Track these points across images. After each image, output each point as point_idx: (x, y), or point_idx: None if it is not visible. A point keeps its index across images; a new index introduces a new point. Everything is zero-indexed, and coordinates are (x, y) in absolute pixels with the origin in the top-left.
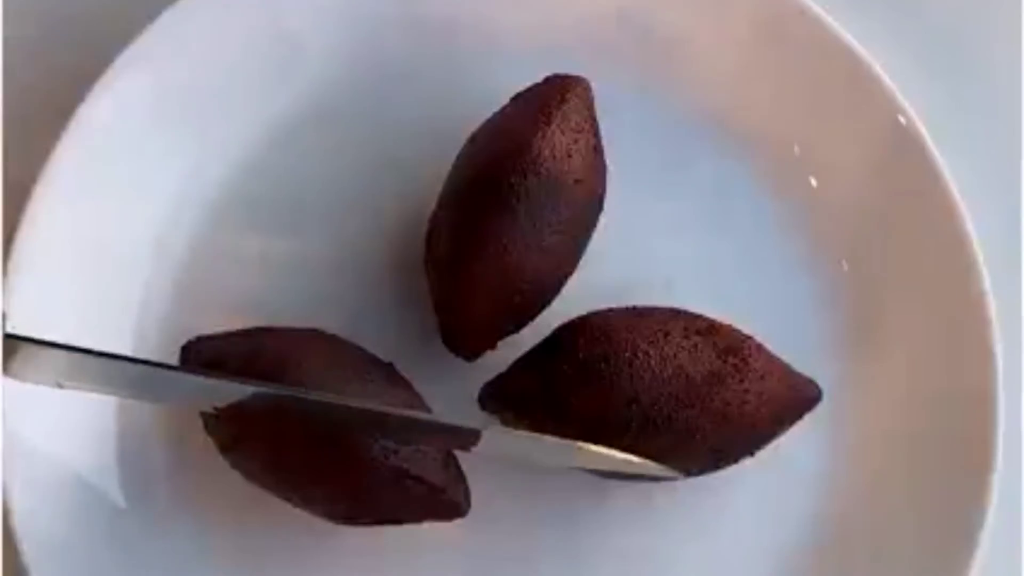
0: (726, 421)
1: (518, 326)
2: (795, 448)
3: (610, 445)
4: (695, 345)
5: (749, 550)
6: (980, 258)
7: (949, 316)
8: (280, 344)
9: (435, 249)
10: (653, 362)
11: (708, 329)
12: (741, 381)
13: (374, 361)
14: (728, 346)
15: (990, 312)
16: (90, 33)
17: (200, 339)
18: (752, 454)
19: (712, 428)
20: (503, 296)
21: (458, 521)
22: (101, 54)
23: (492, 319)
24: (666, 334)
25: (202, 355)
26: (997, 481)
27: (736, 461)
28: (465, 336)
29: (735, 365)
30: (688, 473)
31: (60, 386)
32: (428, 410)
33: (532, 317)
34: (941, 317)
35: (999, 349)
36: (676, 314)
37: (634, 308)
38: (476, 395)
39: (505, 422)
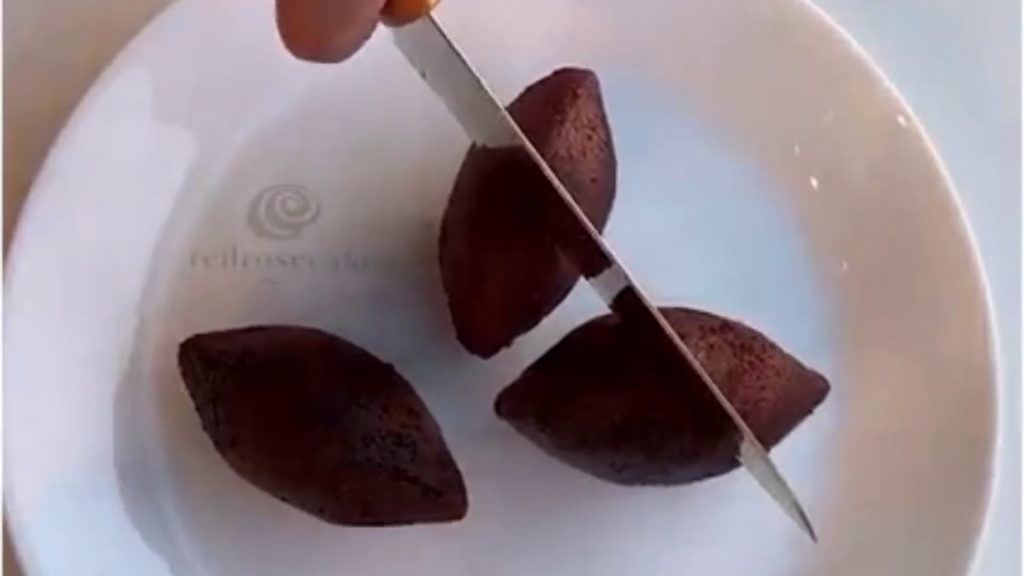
0: (744, 417)
1: (533, 322)
2: (794, 448)
3: (632, 449)
4: (711, 345)
5: (747, 550)
6: (979, 258)
7: (949, 316)
8: (279, 342)
9: (451, 247)
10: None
11: (722, 327)
12: (758, 379)
13: (373, 361)
14: (743, 344)
15: (989, 312)
16: (89, 33)
17: (199, 337)
18: (767, 450)
19: None
20: (521, 293)
21: (455, 523)
22: (100, 54)
23: (509, 315)
24: (684, 335)
25: (200, 353)
26: (997, 482)
27: None
28: (481, 333)
29: (750, 363)
30: (707, 475)
31: (423, 75)
32: (425, 410)
33: (546, 313)
34: (941, 317)
35: (999, 349)
36: (689, 314)
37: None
38: (480, 396)
39: (521, 428)
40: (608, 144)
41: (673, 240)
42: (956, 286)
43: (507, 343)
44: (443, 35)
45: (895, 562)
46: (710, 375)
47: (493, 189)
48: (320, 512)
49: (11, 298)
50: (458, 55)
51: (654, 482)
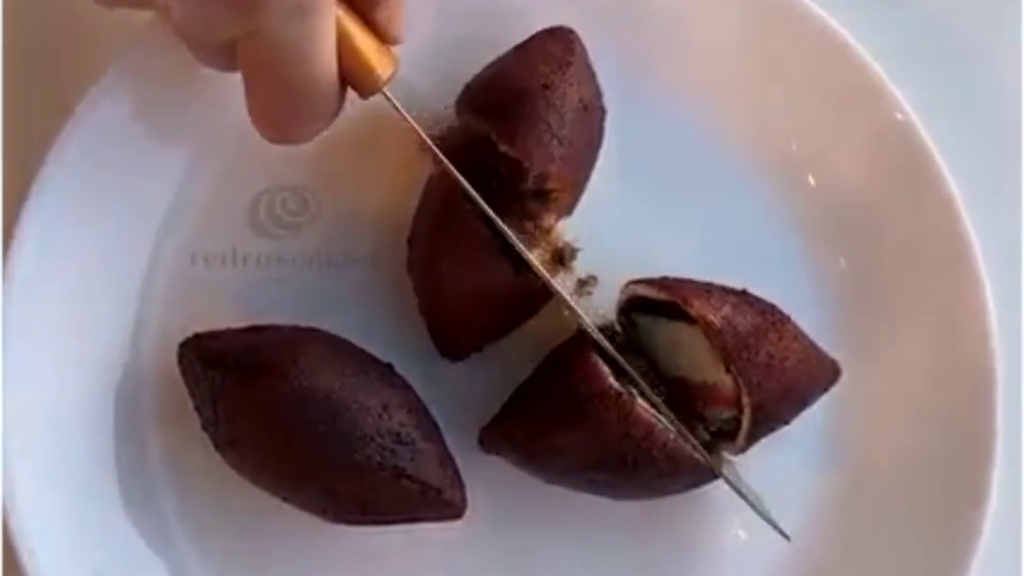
0: (771, 374)
1: (503, 333)
2: (793, 447)
3: (609, 476)
4: (735, 303)
5: (745, 549)
6: (979, 256)
7: (947, 313)
8: (278, 341)
9: (418, 255)
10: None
11: (743, 292)
12: (780, 339)
13: (372, 360)
14: (763, 308)
15: (988, 310)
16: (89, 34)
17: (199, 336)
18: (787, 422)
19: (758, 381)
20: (486, 307)
21: (455, 522)
22: (100, 55)
23: (475, 329)
24: (707, 292)
25: (200, 353)
26: (996, 481)
27: (772, 430)
28: (451, 341)
29: (773, 323)
30: (693, 485)
31: None
32: (425, 409)
33: (517, 324)
34: (939, 314)
35: (998, 347)
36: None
37: (666, 277)
38: (478, 396)
39: (509, 461)
40: (590, 76)
41: (667, 239)
42: (956, 284)
43: (478, 349)
44: (396, 107)
45: (895, 562)
46: (734, 328)
47: (455, 208)
48: (321, 512)
49: (11, 298)
50: (411, 123)
51: (643, 496)
